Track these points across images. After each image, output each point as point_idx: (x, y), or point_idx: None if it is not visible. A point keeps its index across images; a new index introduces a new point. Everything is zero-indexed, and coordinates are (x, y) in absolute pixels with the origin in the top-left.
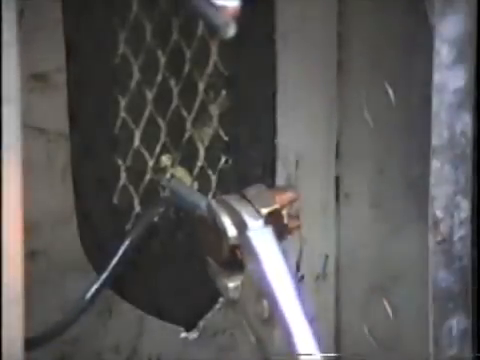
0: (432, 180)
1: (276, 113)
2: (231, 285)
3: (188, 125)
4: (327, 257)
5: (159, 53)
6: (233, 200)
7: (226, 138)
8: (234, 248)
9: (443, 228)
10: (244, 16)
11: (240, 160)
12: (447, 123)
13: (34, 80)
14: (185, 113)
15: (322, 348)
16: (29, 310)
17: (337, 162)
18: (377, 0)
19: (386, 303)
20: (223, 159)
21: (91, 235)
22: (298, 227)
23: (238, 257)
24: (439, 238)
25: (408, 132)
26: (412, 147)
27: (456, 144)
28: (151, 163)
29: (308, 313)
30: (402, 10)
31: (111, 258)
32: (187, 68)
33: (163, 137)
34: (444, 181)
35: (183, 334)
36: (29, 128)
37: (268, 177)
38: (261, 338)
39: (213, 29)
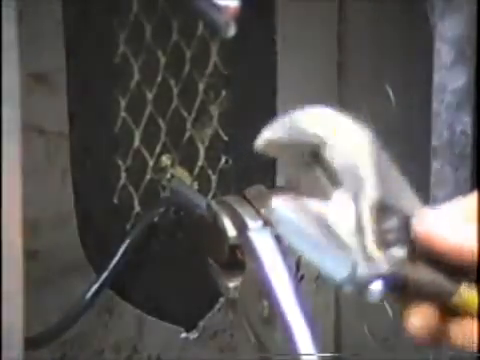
0: (432, 180)
1: (276, 113)
2: (231, 285)
3: (188, 125)
4: None
5: (159, 53)
6: (233, 201)
7: (226, 138)
8: (234, 248)
9: None
10: (245, 16)
11: (240, 160)
12: (447, 123)
13: (34, 80)
14: (185, 113)
15: (322, 348)
16: (29, 310)
17: None
18: (377, 1)
19: (386, 303)
20: (223, 159)
21: (91, 235)
22: None
23: (238, 257)
24: None
25: (408, 132)
26: (412, 147)
27: (456, 144)
28: (151, 163)
29: (308, 313)
30: (402, 11)
31: (111, 258)
32: (187, 68)
33: (163, 137)
34: (444, 181)
35: (183, 334)
36: (29, 128)
37: (268, 177)
38: (261, 338)
39: (213, 29)
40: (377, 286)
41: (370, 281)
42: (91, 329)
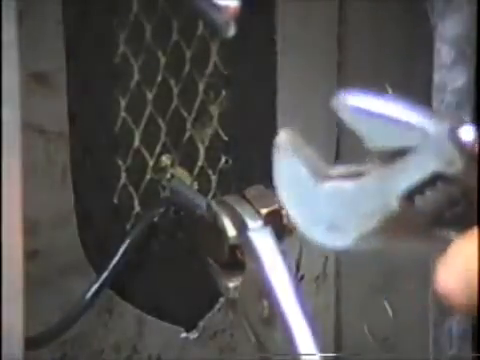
0: None
1: (276, 113)
2: (231, 285)
3: (188, 125)
4: (327, 257)
5: (159, 53)
6: (233, 200)
7: (226, 138)
8: (234, 248)
9: None
10: (245, 16)
11: (240, 160)
12: None
13: (34, 80)
14: (185, 113)
15: (322, 348)
16: (29, 310)
17: (337, 162)
18: (377, 1)
19: (386, 303)
20: (223, 159)
21: (91, 235)
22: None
23: (238, 257)
24: None
25: None
26: None
27: None
28: (151, 163)
29: (308, 313)
30: (402, 11)
31: (111, 258)
32: (187, 68)
33: (163, 137)
34: None
35: (183, 334)
36: (29, 128)
37: (268, 177)
38: (261, 338)
39: (213, 29)
40: (467, 131)
41: (461, 124)
42: (91, 329)
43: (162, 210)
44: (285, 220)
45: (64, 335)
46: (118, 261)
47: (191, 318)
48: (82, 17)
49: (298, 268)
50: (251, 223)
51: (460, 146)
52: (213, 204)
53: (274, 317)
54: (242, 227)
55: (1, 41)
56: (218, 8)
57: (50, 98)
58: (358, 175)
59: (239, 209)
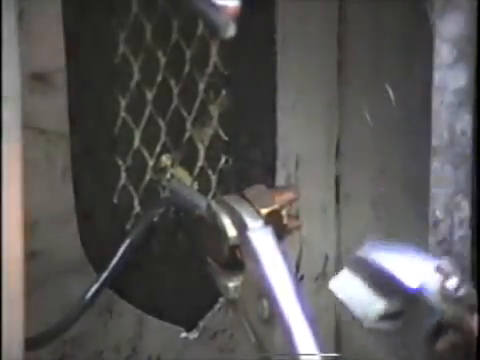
0: (432, 180)
1: (276, 113)
2: (231, 285)
3: (188, 125)
4: (327, 257)
5: (159, 53)
6: (233, 200)
7: (226, 138)
8: (234, 248)
9: (443, 228)
10: (245, 16)
11: (240, 160)
12: (447, 123)
13: (34, 80)
14: (185, 113)
15: (322, 348)
16: (29, 310)
17: (337, 162)
18: (377, 0)
19: None
20: (223, 159)
21: (91, 235)
22: (298, 227)
23: (238, 257)
24: (439, 238)
25: (408, 132)
26: (412, 147)
27: (456, 144)
28: (151, 163)
29: (308, 313)
30: (402, 10)
31: (111, 258)
32: (187, 68)
33: (163, 137)
34: (444, 181)
35: (183, 334)
36: (29, 128)
37: (268, 177)
38: (261, 338)
39: (213, 29)
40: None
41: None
42: (91, 329)
43: (162, 210)
44: (285, 220)
45: (64, 335)
46: (118, 261)
47: (191, 318)
48: (82, 17)
49: (298, 268)
50: (251, 223)
51: (449, 299)
52: (213, 204)
53: (274, 317)
54: (242, 227)
55: (1, 41)
56: (218, 8)
57: (50, 98)
58: (395, 315)
59: (239, 209)
